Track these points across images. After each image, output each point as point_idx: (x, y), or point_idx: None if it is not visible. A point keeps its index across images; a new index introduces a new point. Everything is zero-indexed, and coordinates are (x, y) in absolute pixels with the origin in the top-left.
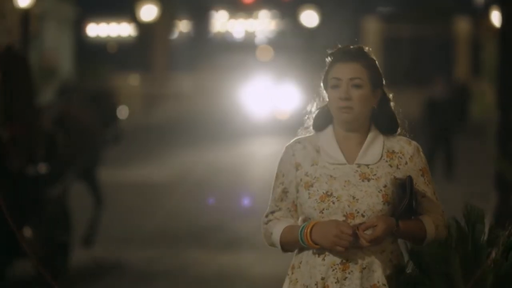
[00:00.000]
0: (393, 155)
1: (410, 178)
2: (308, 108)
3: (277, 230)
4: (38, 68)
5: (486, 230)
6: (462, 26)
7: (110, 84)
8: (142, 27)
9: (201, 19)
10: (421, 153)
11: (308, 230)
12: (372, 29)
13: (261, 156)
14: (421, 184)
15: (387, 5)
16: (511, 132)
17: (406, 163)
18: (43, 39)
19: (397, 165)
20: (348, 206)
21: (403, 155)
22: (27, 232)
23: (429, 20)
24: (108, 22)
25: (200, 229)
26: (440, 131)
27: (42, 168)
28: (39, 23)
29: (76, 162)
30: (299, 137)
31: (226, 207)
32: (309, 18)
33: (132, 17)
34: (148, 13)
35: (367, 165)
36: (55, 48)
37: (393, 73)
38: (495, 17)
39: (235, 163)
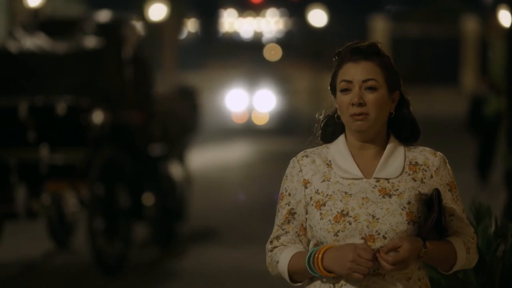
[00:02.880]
0: (416, 168)
1: (437, 190)
2: (316, 116)
3: (284, 258)
4: None
5: (495, 224)
6: (470, 25)
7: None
8: (151, 26)
9: (209, 18)
10: (448, 165)
11: (320, 255)
12: (379, 28)
13: (272, 154)
14: (449, 201)
15: (395, 4)
16: None
17: (431, 176)
18: None
19: (422, 179)
20: (367, 226)
21: (427, 167)
22: (149, 200)
23: (437, 19)
24: None
25: (214, 227)
26: (485, 130)
27: (158, 148)
28: None
29: (178, 145)
30: (306, 150)
31: (239, 204)
32: (317, 17)
33: (140, 16)
34: (157, 12)
35: (387, 179)
36: None
37: (400, 72)
38: (503, 17)
39: (247, 161)
